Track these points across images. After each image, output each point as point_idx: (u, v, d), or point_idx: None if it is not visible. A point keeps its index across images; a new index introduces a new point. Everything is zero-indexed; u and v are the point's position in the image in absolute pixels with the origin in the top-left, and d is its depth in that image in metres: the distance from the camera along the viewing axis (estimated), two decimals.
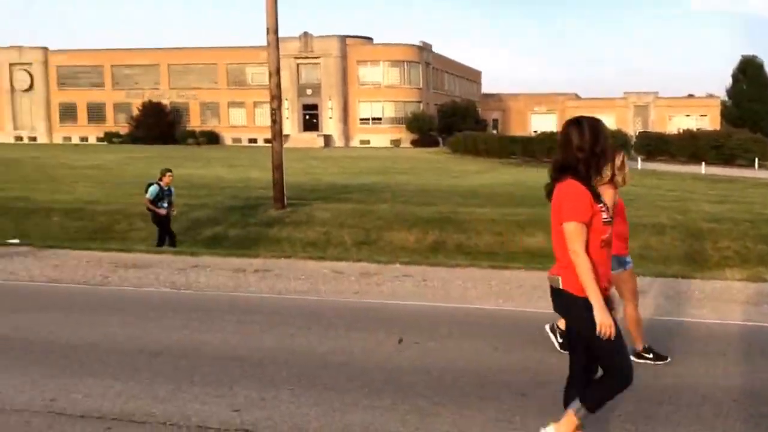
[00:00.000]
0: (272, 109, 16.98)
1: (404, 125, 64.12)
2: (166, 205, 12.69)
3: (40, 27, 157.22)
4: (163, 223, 12.81)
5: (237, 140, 65.97)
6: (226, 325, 6.67)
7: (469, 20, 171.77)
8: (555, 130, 57.00)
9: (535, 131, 59.33)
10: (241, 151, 49.03)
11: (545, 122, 70.64)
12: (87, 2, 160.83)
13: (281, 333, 6.41)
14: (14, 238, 12.78)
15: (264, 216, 17.12)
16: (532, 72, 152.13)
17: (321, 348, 5.93)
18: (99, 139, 67.47)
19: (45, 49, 71.73)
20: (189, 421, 4.34)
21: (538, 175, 28.72)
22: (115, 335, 6.27)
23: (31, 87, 71.39)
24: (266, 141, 60.39)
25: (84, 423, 4.30)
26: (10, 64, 71.43)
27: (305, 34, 64.52)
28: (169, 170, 13.05)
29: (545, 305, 7.24)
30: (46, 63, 71.52)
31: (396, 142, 62.94)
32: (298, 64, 64.15)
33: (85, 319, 6.88)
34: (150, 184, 12.75)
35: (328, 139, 64.21)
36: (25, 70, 71.35)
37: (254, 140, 64.85)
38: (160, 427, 4.25)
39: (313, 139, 62.49)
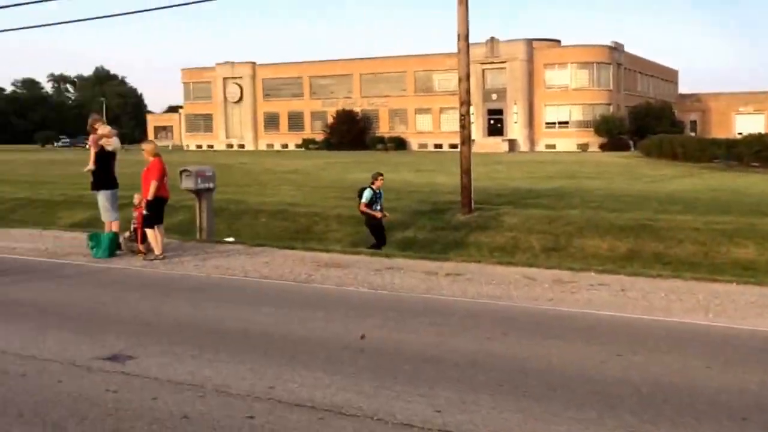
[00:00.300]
0: (461, 115, 17.04)
1: (592, 128, 61.77)
2: (378, 208, 13.03)
3: (248, 43, 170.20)
4: (376, 226, 13.09)
5: (423, 146, 67.10)
6: (421, 326, 6.75)
7: (664, 16, 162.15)
8: (765, 131, 52.20)
9: (740, 133, 54.58)
10: (427, 157, 49.73)
11: (752, 123, 64.74)
12: (290, 19, 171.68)
13: (477, 337, 6.38)
14: (229, 236, 13.86)
15: (452, 220, 17.18)
16: (736, 69, 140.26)
17: (519, 354, 5.83)
18: (297, 146, 71.69)
19: (253, 63, 77.53)
20: (394, 417, 4.43)
21: (747, 181, 26.37)
22: (322, 331, 6.58)
23: (240, 99, 77.43)
24: (451, 146, 61.12)
25: (300, 412, 4.53)
26: (224, 78, 77.97)
27: (491, 39, 64.25)
28: (381, 174, 13.28)
29: (765, 323, 6.67)
30: (254, 76, 77.25)
31: (583, 147, 60.73)
32: (483, 70, 64.01)
33: (294, 314, 7.28)
34: (363, 189, 13.02)
35: (512, 143, 63.41)
36: (236, 83, 77.53)
37: (439, 146, 65.69)
38: (368, 422, 4.37)
39: (498, 144, 61.98)
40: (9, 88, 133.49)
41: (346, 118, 68.65)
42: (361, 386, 4.98)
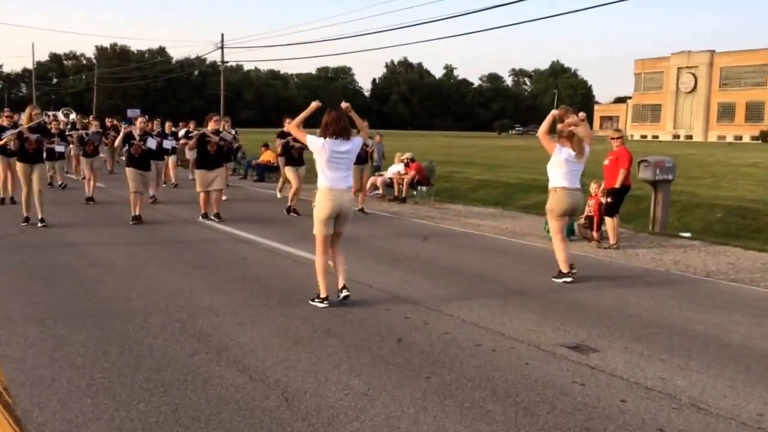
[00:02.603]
0: None
1: None
2: None
3: (704, 32, 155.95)
4: None
5: None
6: None
7: None
8: None
9: None
10: None
11: None
12: (750, 4, 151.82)
13: None
14: (682, 230, 12.58)
15: None
16: None
17: None
18: (753, 138, 63.33)
19: (712, 52, 70.76)
20: None
21: None
22: None
23: (694, 88, 71.54)
24: None
25: None
26: (678, 68, 72.91)
27: None
28: None
29: None
30: (711, 65, 70.54)
31: None
32: None
33: None
34: None
35: None
36: (691, 72, 71.81)
37: None
38: None
39: None
40: (477, 82, 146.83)
41: None
42: None
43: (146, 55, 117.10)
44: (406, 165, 16.40)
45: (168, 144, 14.93)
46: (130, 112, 45.00)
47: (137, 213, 11.26)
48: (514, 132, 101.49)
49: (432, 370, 4.59)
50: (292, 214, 12.62)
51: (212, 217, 11.66)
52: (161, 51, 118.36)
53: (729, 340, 5.57)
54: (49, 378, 4.25)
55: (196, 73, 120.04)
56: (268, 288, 6.85)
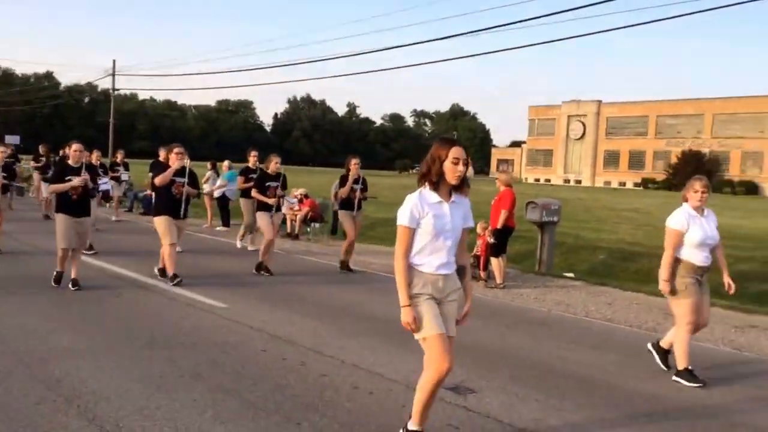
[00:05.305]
0: None
1: None
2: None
3: (593, 83, 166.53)
4: None
5: None
6: None
7: None
8: None
9: None
10: None
11: None
12: (637, 57, 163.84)
13: None
14: (566, 270, 13.06)
15: None
16: None
17: None
18: (635, 184, 67.62)
19: (599, 102, 75.45)
20: None
21: None
22: (677, 392, 5.46)
23: (583, 136, 75.81)
24: None
25: None
26: (569, 116, 77.14)
27: None
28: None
29: None
30: (598, 114, 75.10)
31: None
32: None
33: (641, 365, 6.22)
34: None
35: None
36: (580, 120, 76.14)
37: None
38: None
39: None
40: (379, 121, 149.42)
41: (691, 158, 62.91)
42: None
43: (32, 79, 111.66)
44: (300, 201, 16.23)
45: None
46: (9, 138, 42.49)
47: None
48: (414, 171, 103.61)
49: (304, 416, 4.40)
50: (263, 272, 10.25)
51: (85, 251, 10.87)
52: (48, 75, 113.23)
53: (601, 379, 5.72)
54: None
55: (86, 99, 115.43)
56: (136, 328, 6.45)
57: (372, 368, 5.56)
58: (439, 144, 3.69)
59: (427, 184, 3.70)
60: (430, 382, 3.71)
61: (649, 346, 6.31)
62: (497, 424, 4.47)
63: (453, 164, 3.61)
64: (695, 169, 61.76)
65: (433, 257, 3.67)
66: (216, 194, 16.94)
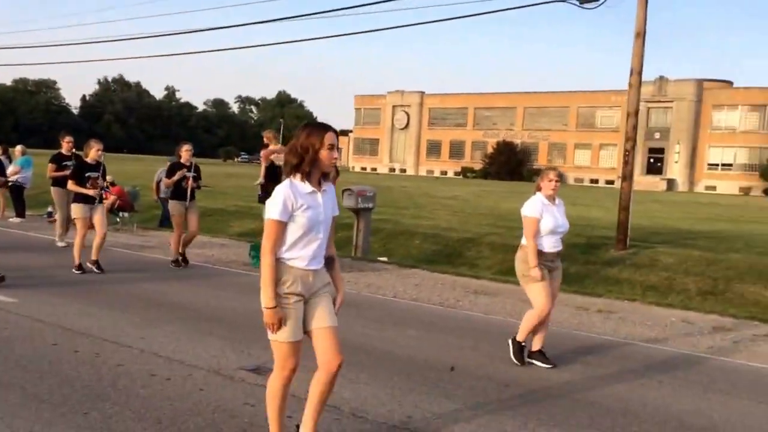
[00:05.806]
0: (626, 150, 15.77)
1: (758, 173, 56.57)
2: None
3: (418, 74, 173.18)
4: None
5: (579, 180, 64.54)
6: (571, 364, 6.03)
7: None
8: None
9: None
10: (583, 191, 47.48)
11: None
12: (460, 52, 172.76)
13: (629, 381, 5.60)
14: (383, 256, 13.62)
15: (605, 256, 15.93)
16: None
17: (676, 406, 4.99)
18: (456, 173, 71.41)
19: (422, 93, 78.46)
20: None
21: None
22: (467, 359, 6.01)
23: (407, 126, 78.56)
24: (607, 182, 58.23)
25: None
26: (393, 106, 79.55)
27: (660, 77, 60.86)
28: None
29: None
30: (421, 105, 78.13)
31: (746, 190, 55.75)
32: (648, 108, 60.57)
33: (441, 339, 6.76)
34: None
35: (671, 183, 59.39)
36: (405, 111, 78.80)
37: (596, 181, 62.93)
38: None
39: (656, 183, 58.24)
40: (201, 107, 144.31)
41: (505, 149, 67.58)
42: (504, 425, 4.38)
43: None
44: (106, 189, 15.39)
45: None
46: None
47: None
48: (239, 159, 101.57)
49: (92, 405, 4.30)
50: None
51: None
52: None
53: (400, 353, 6.13)
54: None
55: None
56: None
57: (172, 355, 5.52)
58: (310, 131, 3.47)
59: (298, 174, 3.50)
60: (278, 383, 3.69)
61: (510, 340, 6.22)
62: (293, 399, 4.65)
63: (329, 151, 3.43)
64: (508, 159, 66.64)
65: (306, 251, 3.46)
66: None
